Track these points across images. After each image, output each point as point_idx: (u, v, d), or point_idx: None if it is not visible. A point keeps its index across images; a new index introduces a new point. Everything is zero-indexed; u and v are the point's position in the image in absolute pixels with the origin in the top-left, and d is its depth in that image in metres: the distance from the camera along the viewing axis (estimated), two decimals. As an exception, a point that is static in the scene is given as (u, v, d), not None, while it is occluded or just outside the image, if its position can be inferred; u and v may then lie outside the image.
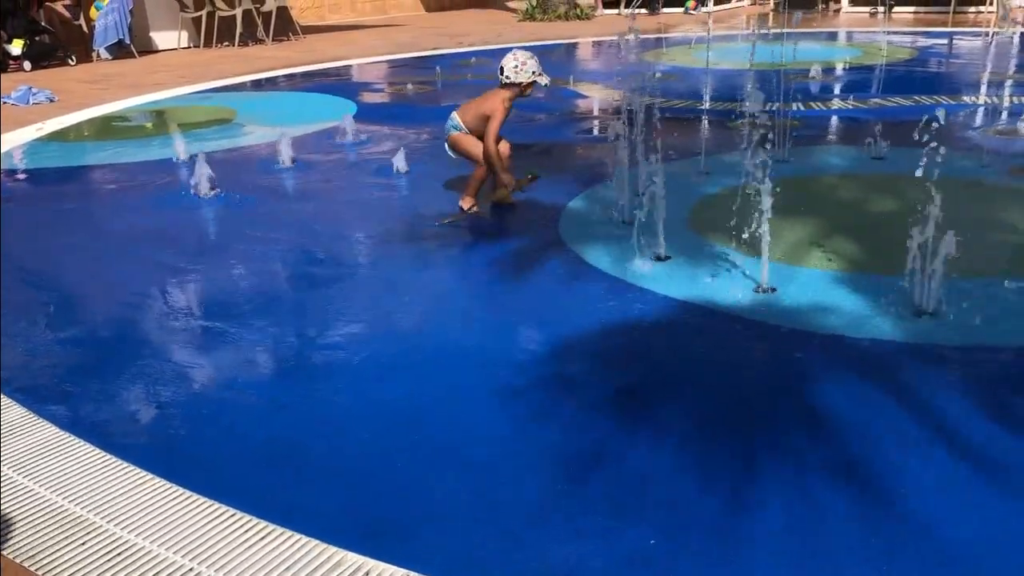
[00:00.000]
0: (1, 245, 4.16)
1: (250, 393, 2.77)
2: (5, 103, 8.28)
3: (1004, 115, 6.52)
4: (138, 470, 2.35)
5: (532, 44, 11.54)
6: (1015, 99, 6.99)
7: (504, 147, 4.56)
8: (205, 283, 3.78)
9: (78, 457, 2.43)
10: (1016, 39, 10.38)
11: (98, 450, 2.46)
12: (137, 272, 3.91)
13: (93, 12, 11.74)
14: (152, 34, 12.51)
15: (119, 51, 11.76)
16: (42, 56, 11.00)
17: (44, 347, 3.18)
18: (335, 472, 2.33)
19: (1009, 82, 7.77)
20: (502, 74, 4.48)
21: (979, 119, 6.43)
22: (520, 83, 4.46)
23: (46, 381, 2.92)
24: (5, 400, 2.76)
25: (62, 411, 2.69)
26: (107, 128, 7.44)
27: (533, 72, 4.45)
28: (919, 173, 2.94)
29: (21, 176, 5.92)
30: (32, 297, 3.66)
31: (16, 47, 10.67)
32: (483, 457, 2.37)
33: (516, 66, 4.44)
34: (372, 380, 2.84)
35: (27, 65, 10.74)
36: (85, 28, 11.94)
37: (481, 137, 4.49)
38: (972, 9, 13.32)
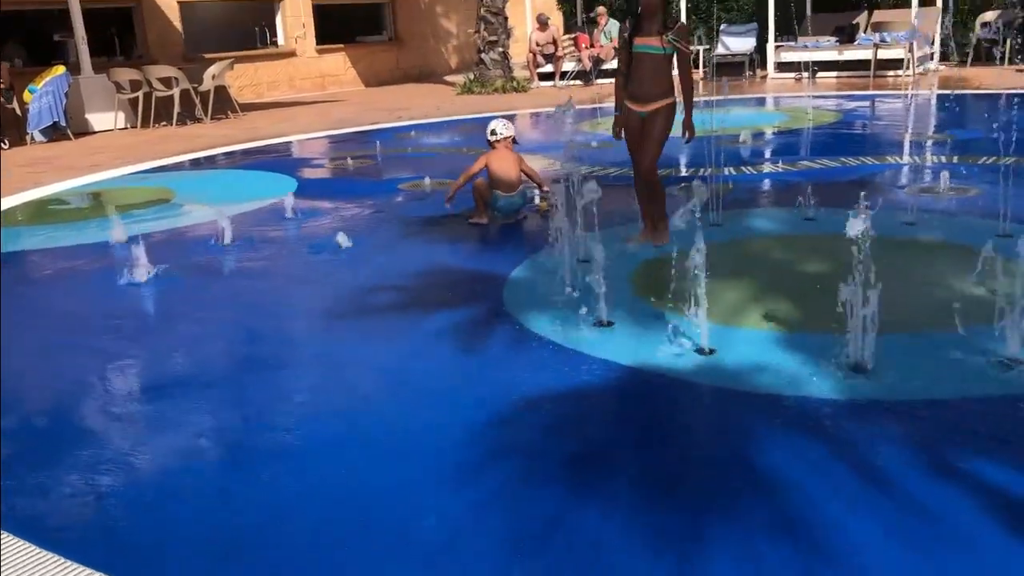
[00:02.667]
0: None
1: (193, 480, 2.72)
2: (-65, 189, 8.12)
3: (926, 173, 6.78)
4: (75, 565, 2.27)
5: (471, 117, 11.73)
6: (935, 158, 7.29)
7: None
8: (143, 368, 3.71)
9: (11, 553, 2.34)
10: (933, 100, 10.87)
11: (32, 545, 2.38)
12: (72, 359, 3.83)
13: (27, 95, 11.64)
14: (88, 115, 12.43)
15: (54, 133, 11.65)
16: (-26, 141, 10.85)
17: (-24, 440, 3.08)
18: (283, 562, 2.28)
19: (929, 142, 8.12)
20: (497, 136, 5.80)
21: (903, 178, 6.68)
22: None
23: (-23, 476, 2.82)
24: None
25: (-6, 507, 2.60)
26: (42, 212, 7.33)
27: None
28: (849, 232, 3.04)
29: (-49, 264, 5.79)
30: (-37, 388, 3.56)
31: (-53, 132, 10.51)
32: (434, 538, 2.35)
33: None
34: (318, 462, 2.80)
35: (-42, 150, 10.57)
36: (18, 111, 11.81)
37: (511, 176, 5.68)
38: (891, 73, 13.92)
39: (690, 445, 2.78)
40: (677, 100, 4.76)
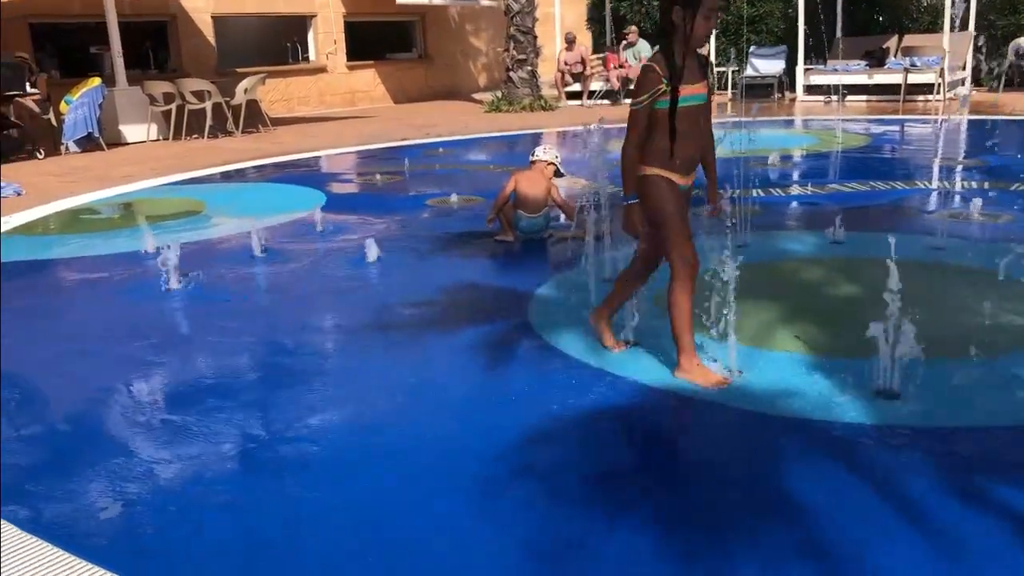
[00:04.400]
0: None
1: (219, 490, 2.74)
2: (-29, 197, 8.26)
3: (956, 199, 6.73)
4: (102, 571, 2.30)
5: (498, 135, 11.80)
6: (965, 183, 7.24)
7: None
8: (172, 377, 3.75)
9: (40, 558, 2.37)
10: (963, 126, 10.79)
11: (61, 551, 2.40)
12: (103, 367, 3.87)
13: (63, 106, 11.84)
14: (122, 127, 12.62)
15: (88, 144, 11.83)
16: (10, 150, 11.03)
17: (3, 445, 3.12)
18: (304, 573, 2.29)
19: (959, 167, 8.06)
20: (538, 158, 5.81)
21: (933, 203, 6.63)
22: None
23: (6, 480, 2.85)
24: (-35, 501, 2.70)
25: (23, 511, 2.63)
26: (75, 221, 7.44)
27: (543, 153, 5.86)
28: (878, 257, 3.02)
29: (-14, 270, 5.87)
30: (-5, 393, 3.61)
31: (-16, 141, 10.71)
32: (457, 554, 2.34)
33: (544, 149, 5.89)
34: (343, 475, 2.82)
35: (-6, 159, 10.75)
36: (54, 122, 12.01)
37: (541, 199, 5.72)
38: (921, 98, 13.85)
39: (716, 467, 2.77)
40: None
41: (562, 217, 6.01)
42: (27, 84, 11.80)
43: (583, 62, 16.38)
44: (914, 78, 13.79)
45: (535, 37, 16.00)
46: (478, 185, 7.85)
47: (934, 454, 2.76)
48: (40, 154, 11.29)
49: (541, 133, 12.34)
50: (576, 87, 16.38)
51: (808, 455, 2.78)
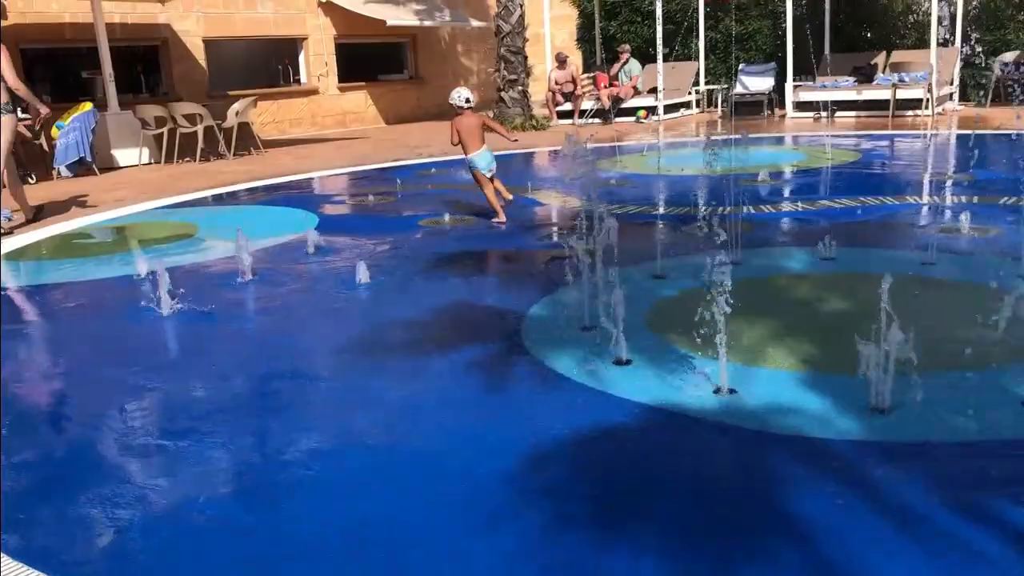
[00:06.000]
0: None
1: (214, 515, 2.72)
2: (-38, 223, 8.24)
3: (946, 213, 6.77)
4: (95, 599, 2.28)
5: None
6: (955, 198, 7.28)
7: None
8: (165, 401, 3.74)
9: (32, 588, 2.36)
10: (952, 140, 10.87)
11: (53, 579, 2.39)
12: (95, 391, 3.85)
13: (54, 131, 11.85)
14: (114, 151, 12.62)
15: (80, 168, 11.83)
16: (1, 175, 11.01)
17: (-2, 472, 3.10)
18: (300, 594, 2.28)
19: (949, 181, 8.11)
20: (469, 103, 6.87)
21: (923, 218, 6.67)
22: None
23: None
24: (-44, 530, 2.68)
25: (13, 539, 2.61)
26: (67, 245, 7.43)
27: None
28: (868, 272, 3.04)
29: (-23, 296, 5.85)
30: (-13, 420, 3.59)
31: (-25, 167, 10.68)
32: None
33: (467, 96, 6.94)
34: (340, 498, 2.80)
35: (-15, 184, 10.74)
36: (46, 146, 12.02)
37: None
38: (910, 113, 13.95)
39: (715, 487, 2.76)
40: None
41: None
42: (18, 110, 11.80)
43: (574, 81, 16.46)
44: (903, 93, 13.90)
45: (525, 57, 16.08)
46: (470, 205, 7.87)
47: (931, 469, 2.76)
48: (32, 179, 11.28)
49: (533, 152, 12.39)
50: (567, 106, 16.46)
51: (805, 472, 2.78)
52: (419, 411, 3.48)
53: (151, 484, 2.94)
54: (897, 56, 15.50)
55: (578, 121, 16.10)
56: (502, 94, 15.95)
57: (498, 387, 3.69)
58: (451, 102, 6.99)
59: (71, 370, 4.22)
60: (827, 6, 16.04)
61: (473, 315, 4.69)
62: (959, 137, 11.05)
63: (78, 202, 9.49)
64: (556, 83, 16.48)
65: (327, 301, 5.24)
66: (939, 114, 13.42)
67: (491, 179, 7.05)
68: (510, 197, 7.37)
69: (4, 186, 7.85)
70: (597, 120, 16.09)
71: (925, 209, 7.05)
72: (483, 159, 6.91)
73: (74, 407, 3.72)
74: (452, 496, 2.76)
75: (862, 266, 3.08)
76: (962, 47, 14.49)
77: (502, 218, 6.94)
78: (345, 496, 2.82)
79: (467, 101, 6.92)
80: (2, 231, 7.69)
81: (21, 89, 8.14)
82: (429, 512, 2.69)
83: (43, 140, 12.08)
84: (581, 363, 3.79)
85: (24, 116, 12.00)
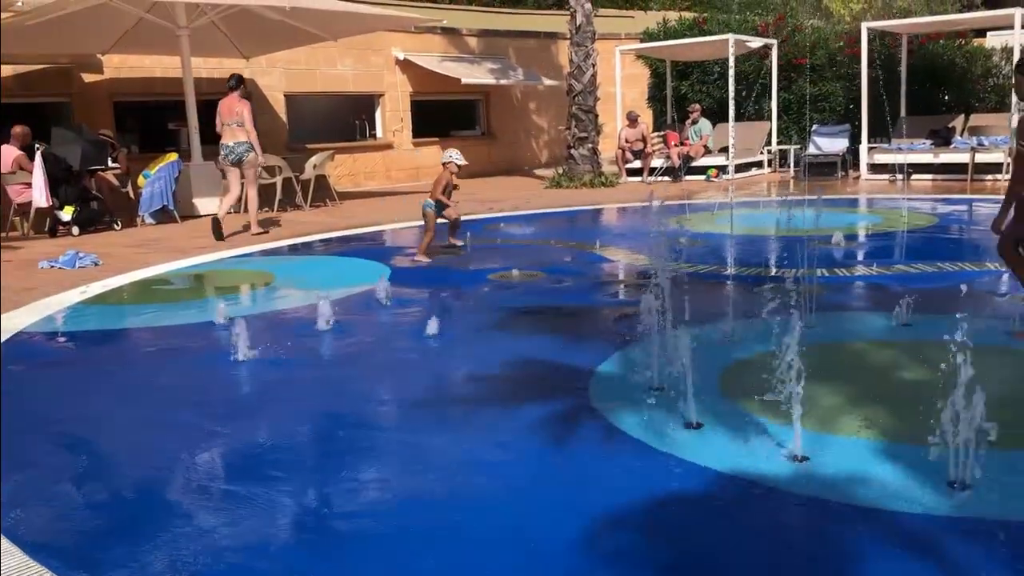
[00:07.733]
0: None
1: (278, 563, 2.75)
2: (53, 267, 8.60)
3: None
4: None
5: (559, 210, 11.93)
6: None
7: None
8: (236, 448, 3.81)
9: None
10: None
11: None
12: (170, 436, 3.95)
13: (140, 180, 12.34)
14: (195, 200, 13.06)
15: (163, 216, 12.26)
16: (90, 221, 11.49)
17: (72, 511, 3.19)
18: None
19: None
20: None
21: (1004, 286, 6.48)
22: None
23: (70, 544, 2.92)
24: (32, 564, 2.76)
25: (92, 579, 2.68)
26: (148, 291, 7.67)
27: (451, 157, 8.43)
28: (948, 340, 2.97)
29: (61, 339, 6.07)
30: (63, 460, 3.71)
31: (67, 213, 11.18)
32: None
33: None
34: (403, 554, 2.81)
35: (75, 230, 11.21)
36: (132, 195, 12.51)
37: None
38: (989, 177, 13.65)
39: (785, 558, 2.70)
40: None
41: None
42: (108, 159, 12.35)
43: (644, 139, 16.55)
44: (982, 157, 13.62)
45: (596, 115, 16.24)
46: (539, 259, 7.92)
47: (1011, 548, 2.66)
48: (118, 226, 11.73)
49: (601, 209, 12.44)
50: (637, 164, 16.53)
51: (879, 546, 2.70)
52: (482, 469, 3.48)
53: (217, 530, 2.99)
54: (976, 119, 15.23)
55: (647, 179, 16.14)
56: (572, 151, 16.11)
57: (564, 446, 3.67)
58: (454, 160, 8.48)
59: (146, 415, 4.33)
60: (903, 68, 15.90)
61: (540, 371, 4.70)
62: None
63: (160, 249, 9.82)
64: (626, 140, 16.59)
65: (397, 352, 5.31)
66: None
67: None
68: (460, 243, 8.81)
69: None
70: (666, 178, 16.11)
71: (1006, 276, 6.85)
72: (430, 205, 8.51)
73: (147, 450, 3.81)
74: (515, 558, 2.75)
75: (940, 334, 3.00)
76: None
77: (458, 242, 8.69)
78: (406, 551, 2.82)
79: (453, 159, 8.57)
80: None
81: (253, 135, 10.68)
82: (489, 573, 2.67)
83: (129, 188, 12.58)
84: (650, 424, 3.76)
85: (114, 166, 12.55)
